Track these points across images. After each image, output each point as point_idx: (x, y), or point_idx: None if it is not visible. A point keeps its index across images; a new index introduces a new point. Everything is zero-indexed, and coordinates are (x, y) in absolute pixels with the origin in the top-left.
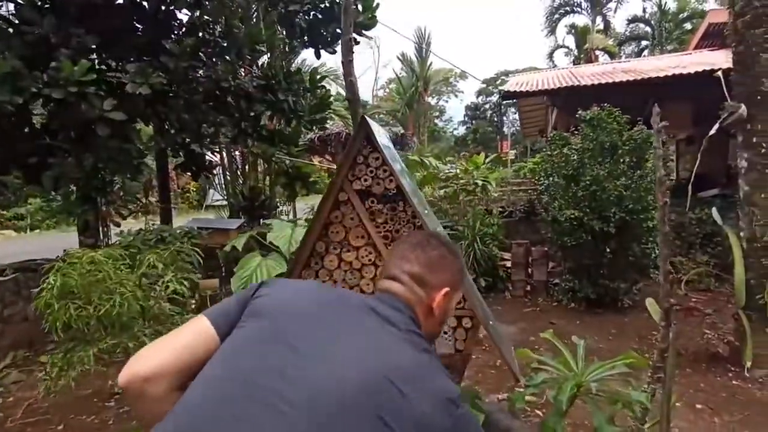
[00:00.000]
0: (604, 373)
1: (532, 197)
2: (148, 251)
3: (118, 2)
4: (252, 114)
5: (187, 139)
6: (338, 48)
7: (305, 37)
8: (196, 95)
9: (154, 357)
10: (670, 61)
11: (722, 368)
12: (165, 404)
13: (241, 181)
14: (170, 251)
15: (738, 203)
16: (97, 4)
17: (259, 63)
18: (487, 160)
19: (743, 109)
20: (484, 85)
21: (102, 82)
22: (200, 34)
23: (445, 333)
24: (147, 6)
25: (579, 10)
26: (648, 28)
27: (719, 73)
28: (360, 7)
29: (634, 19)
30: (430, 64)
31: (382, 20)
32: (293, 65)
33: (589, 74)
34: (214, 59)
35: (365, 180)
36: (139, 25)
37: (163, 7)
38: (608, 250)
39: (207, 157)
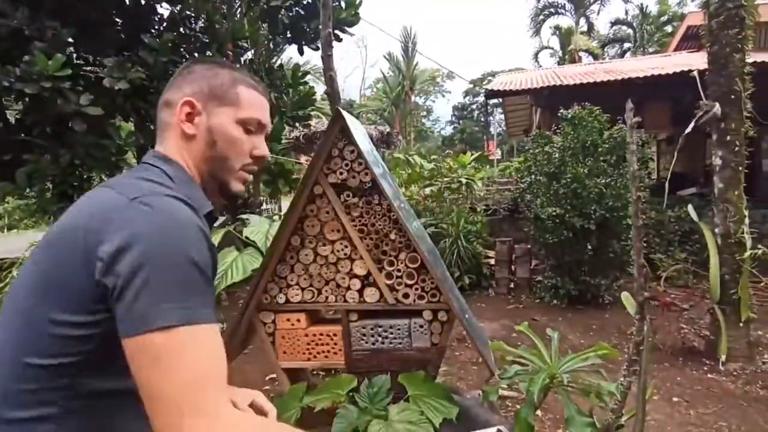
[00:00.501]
0: (577, 365)
1: (515, 195)
2: None
3: None
4: None
5: None
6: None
7: (288, 33)
8: None
9: None
10: (650, 63)
11: (698, 362)
12: None
13: None
14: None
15: (713, 200)
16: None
17: (242, 59)
18: (472, 158)
19: (717, 108)
20: (471, 86)
21: (78, 76)
22: (181, 29)
23: (421, 326)
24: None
25: (563, 11)
26: (630, 31)
27: (695, 73)
28: (343, 4)
29: (616, 22)
30: (416, 63)
31: (370, 19)
32: (277, 62)
33: (572, 74)
34: (195, 54)
35: (341, 173)
36: (118, 19)
37: (143, 1)
38: (589, 247)
39: None
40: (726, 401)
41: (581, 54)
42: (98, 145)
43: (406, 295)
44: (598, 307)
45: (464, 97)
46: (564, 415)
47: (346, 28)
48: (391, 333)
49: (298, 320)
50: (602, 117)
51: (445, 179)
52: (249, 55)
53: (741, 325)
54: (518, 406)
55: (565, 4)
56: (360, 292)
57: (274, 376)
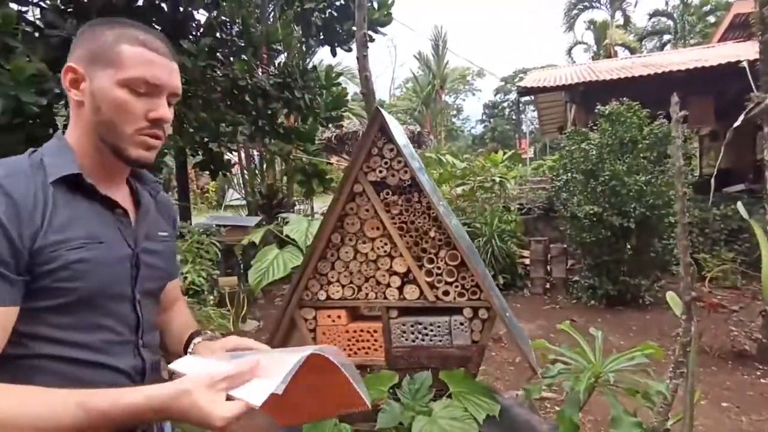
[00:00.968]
0: (622, 365)
1: (550, 194)
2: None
3: (137, 4)
4: (269, 112)
5: (206, 138)
6: (355, 45)
7: (321, 35)
8: (214, 94)
9: None
10: (693, 55)
11: (750, 366)
12: None
13: (259, 180)
14: (189, 243)
15: (765, 197)
16: (117, 7)
17: (276, 62)
18: (505, 156)
19: None
20: (503, 83)
21: None
22: (217, 34)
23: (462, 324)
24: (165, 7)
25: (598, 5)
26: (670, 22)
27: (744, 63)
28: (375, 4)
29: (655, 13)
30: (447, 62)
31: (399, 19)
32: (310, 64)
33: (608, 69)
34: (231, 58)
35: (380, 171)
36: (157, 26)
37: (180, 8)
38: (628, 246)
39: (225, 156)
40: None
41: (617, 48)
42: None
43: (446, 293)
44: (638, 308)
45: (495, 95)
46: (606, 417)
47: (379, 28)
48: (431, 330)
49: (339, 317)
50: (641, 112)
51: (478, 178)
52: (282, 57)
53: None
54: (557, 408)
55: None
56: (400, 289)
57: None
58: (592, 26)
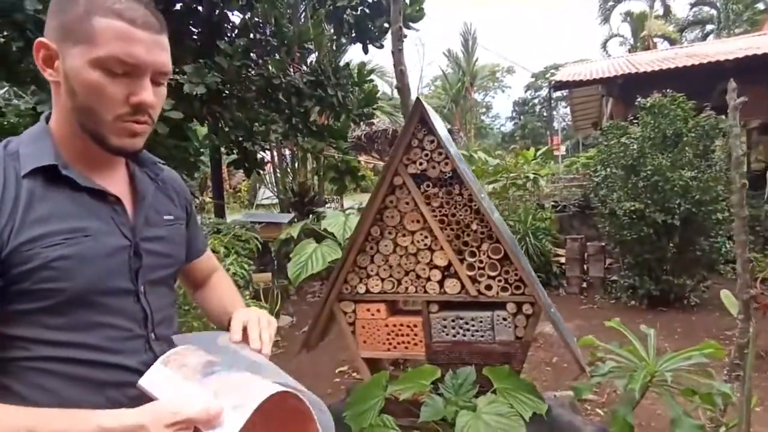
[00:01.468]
0: (679, 364)
1: (587, 191)
2: (213, 236)
3: (175, 8)
4: (302, 110)
5: (241, 137)
6: (386, 42)
7: (353, 33)
8: (249, 93)
9: None
10: (741, 43)
11: None
12: None
13: (290, 178)
14: (230, 236)
15: None
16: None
17: (308, 60)
18: (539, 153)
19: None
20: (533, 80)
21: None
22: (251, 35)
23: (505, 319)
24: (201, 9)
25: None
26: (713, 11)
27: None
28: (408, 0)
29: (697, 2)
30: (477, 58)
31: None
32: (341, 62)
33: (648, 61)
34: (265, 58)
35: (420, 164)
36: (194, 29)
37: (216, 11)
38: (671, 244)
39: (259, 155)
40: None
41: (656, 40)
42: (178, 147)
43: (488, 287)
44: (682, 309)
45: (525, 92)
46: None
47: (411, 24)
48: (473, 325)
49: (378, 310)
50: (687, 104)
51: (511, 175)
52: (313, 57)
53: None
54: (597, 410)
55: None
56: (440, 283)
57: (344, 369)
58: (628, 18)
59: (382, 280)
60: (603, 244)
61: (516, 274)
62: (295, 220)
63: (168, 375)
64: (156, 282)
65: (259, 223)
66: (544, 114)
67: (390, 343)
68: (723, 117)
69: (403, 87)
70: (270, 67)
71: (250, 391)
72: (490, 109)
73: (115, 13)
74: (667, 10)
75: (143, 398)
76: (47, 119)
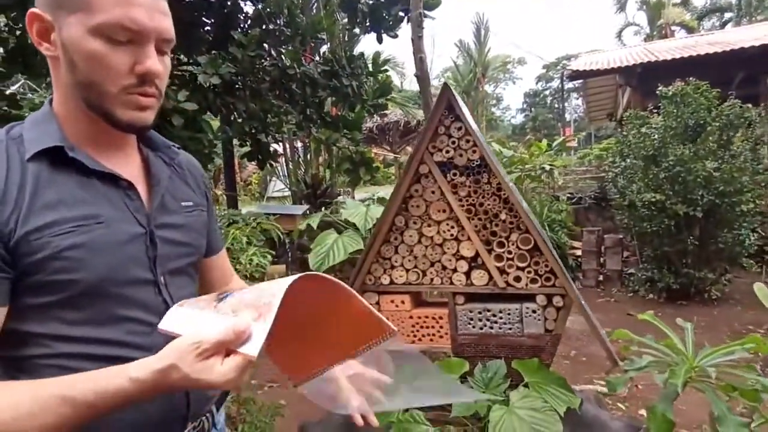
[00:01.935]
0: (721, 359)
1: (605, 182)
2: (230, 227)
3: None
4: (316, 100)
5: (254, 128)
6: (400, 32)
7: (367, 22)
8: (263, 84)
9: None
10: (764, 29)
11: None
12: None
13: (303, 170)
14: (251, 227)
15: None
16: (168, 2)
17: (321, 51)
18: (555, 143)
19: None
20: (544, 71)
21: (174, 75)
22: (264, 25)
23: (534, 312)
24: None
25: None
26: None
27: None
28: None
29: None
30: (489, 49)
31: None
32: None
33: (668, 49)
34: (279, 48)
35: (447, 151)
36: (207, 19)
37: (229, 1)
38: (692, 236)
39: (272, 147)
40: None
41: (673, 28)
42: (193, 139)
43: (517, 279)
44: (703, 303)
45: (536, 83)
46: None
47: (427, 12)
48: (501, 318)
49: (403, 302)
50: (710, 93)
51: (526, 166)
52: (325, 47)
53: None
54: (619, 404)
55: None
56: (467, 274)
57: None
58: (644, 6)
59: (407, 271)
60: (620, 236)
61: (546, 265)
62: (308, 212)
63: (185, 312)
64: (176, 272)
65: (273, 214)
66: (556, 105)
67: (415, 336)
68: (749, 105)
69: (422, 75)
70: (284, 58)
71: (266, 296)
72: (500, 100)
73: None
74: None
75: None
76: (51, 102)
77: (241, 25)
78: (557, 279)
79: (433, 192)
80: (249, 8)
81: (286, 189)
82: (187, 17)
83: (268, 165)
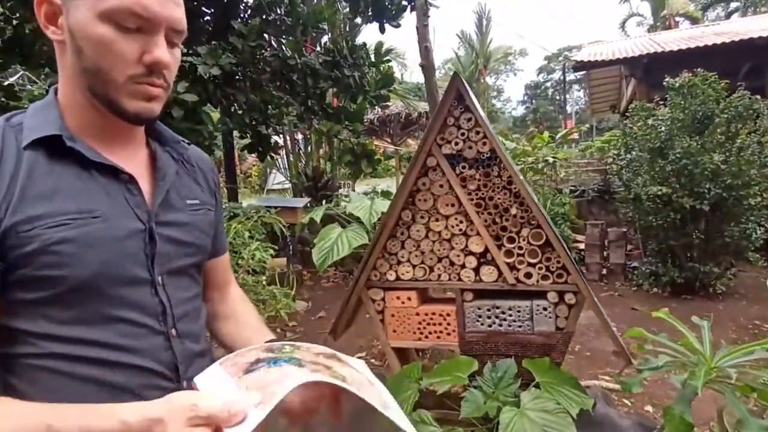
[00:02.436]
0: (739, 359)
1: (609, 175)
2: (231, 221)
3: None
4: (318, 91)
5: (255, 120)
6: (402, 22)
7: (369, 11)
8: (264, 75)
9: None
10: None
11: None
12: None
13: (303, 162)
14: (253, 221)
15: None
16: None
17: (321, 41)
18: (559, 135)
19: None
20: (545, 62)
21: None
22: (264, 15)
23: (545, 309)
24: None
25: None
26: None
27: None
28: None
29: None
30: (491, 40)
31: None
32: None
33: (674, 40)
34: (280, 38)
35: (456, 143)
36: (208, 9)
37: None
38: (698, 230)
39: (272, 138)
40: None
41: (677, 19)
42: (193, 131)
43: (528, 275)
44: (708, 297)
45: (537, 75)
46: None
47: (431, 0)
48: (510, 315)
49: (409, 298)
50: (719, 84)
51: (529, 159)
52: (326, 38)
53: None
54: (625, 401)
55: None
56: (476, 270)
57: (362, 355)
58: None
59: (414, 266)
60: (624, 229)
61: (558, 261)
62: (309, 204)
63: (218, 374)
64: (176, 272)
65: (275, 207)
66: (557, 97)
67: (421, 333)
68: (757, 97)
69: (428, 64)
70: (285, 48)
71: (277, 384)
72: (501, 92)
73: None
74: None
75: None
76: (56, 91)
77: (242, 15)
78: (569, 275)
79: (441, 185)
80: None
81: (287, 181)
82: (186, 7)
83: (268, 157)
